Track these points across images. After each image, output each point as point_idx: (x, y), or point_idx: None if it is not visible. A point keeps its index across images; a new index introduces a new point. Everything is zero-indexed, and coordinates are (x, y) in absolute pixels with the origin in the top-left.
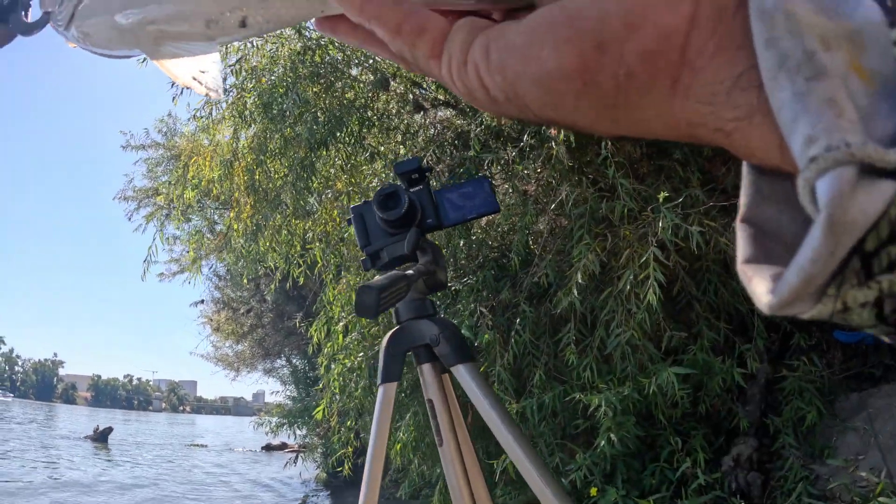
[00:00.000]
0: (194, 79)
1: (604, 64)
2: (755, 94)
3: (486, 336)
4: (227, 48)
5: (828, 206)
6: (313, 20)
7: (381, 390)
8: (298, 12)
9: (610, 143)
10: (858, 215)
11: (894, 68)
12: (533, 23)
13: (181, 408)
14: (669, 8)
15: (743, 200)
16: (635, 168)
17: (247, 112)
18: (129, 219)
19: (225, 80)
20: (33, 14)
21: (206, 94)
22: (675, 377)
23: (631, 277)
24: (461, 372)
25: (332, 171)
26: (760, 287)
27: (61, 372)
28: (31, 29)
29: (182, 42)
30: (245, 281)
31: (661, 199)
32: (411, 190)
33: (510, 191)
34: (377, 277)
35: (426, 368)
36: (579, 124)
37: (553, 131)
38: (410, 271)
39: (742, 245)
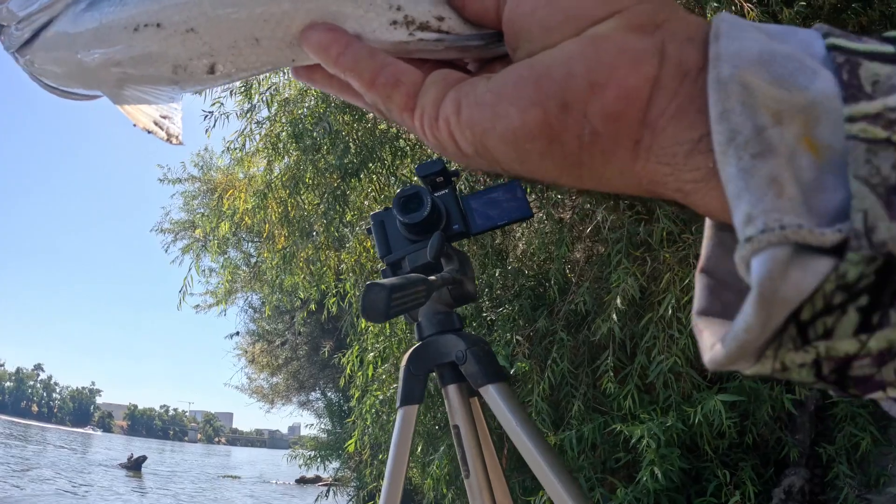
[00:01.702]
0: (156, 124)
1: (567, 124)
2: (713, 158)
3: (523, 365)
4: (258, 79)
5: (758, 285)
6: (290, 69)
7: (399, 413)
8: (269, 59)
9: None
10: (791, 292)
11: (844, 143)
12: (502, 80)
13: (216, 439)
14: (633, 69)
15: (704, 252)
16: None
17: (280, 144)
18: (167, 251)
19: (253, 110)
20: None
21: (168, 141)
22: (722, 405)
23: (673, 302)
24: (490, 393)
25: (366, 202)
26: (706, 343)
27: (98, 400)
28: None
29: (146, 86)
30: (268, 311)
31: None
32: (436, 194)
33: (545, 219)
34: (395, 277)
35: (451, 390)
36: (545, 179)
37: None
38: (433, 277)
39: (699, 296)
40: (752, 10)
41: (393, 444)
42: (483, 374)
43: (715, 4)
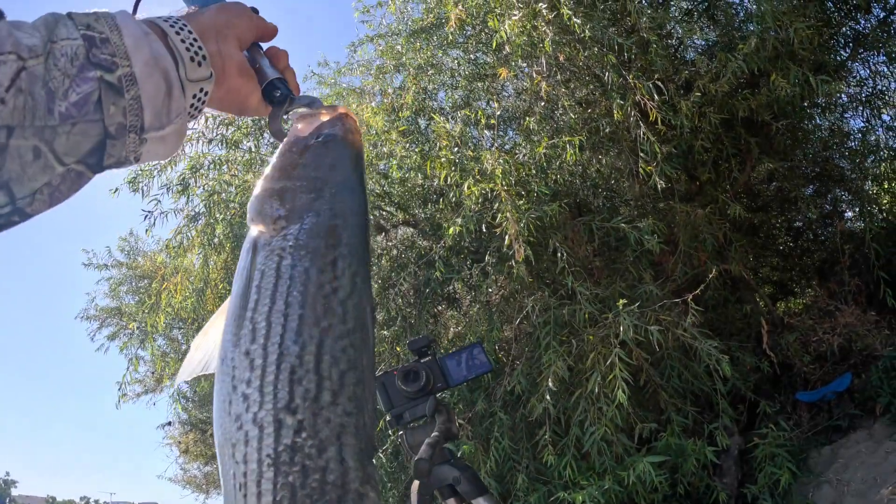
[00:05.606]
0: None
1: None
2: None
3: (467, 447)
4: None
5: None
6: None
7: None
8: None
9: (565, 254)
10: None
11: None
12: None
13: None
14: None
15: None
16: (591, 272)
17: (216, 239)
18: (92, 338)
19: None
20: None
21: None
22: (652, 466)
23: (598, 379)
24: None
25: None
26: None
27: (14, 492)
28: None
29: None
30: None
31: (620, 306)
32: (421, 361)
33: (474, 304)
34: (422, 448)
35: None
36: None
37: (517, 252)
38: (436, 433)
39: None
40: (653, 108)
41: None
42: (474, 491)
43: (620, 102)
